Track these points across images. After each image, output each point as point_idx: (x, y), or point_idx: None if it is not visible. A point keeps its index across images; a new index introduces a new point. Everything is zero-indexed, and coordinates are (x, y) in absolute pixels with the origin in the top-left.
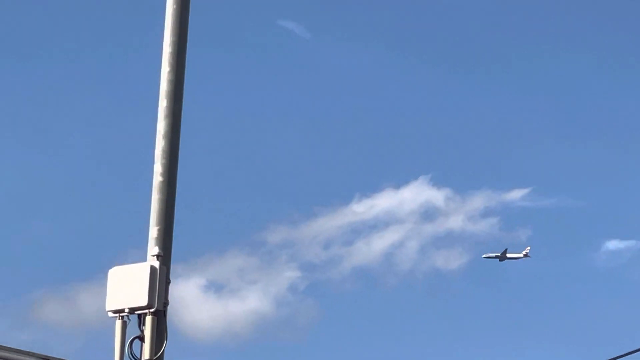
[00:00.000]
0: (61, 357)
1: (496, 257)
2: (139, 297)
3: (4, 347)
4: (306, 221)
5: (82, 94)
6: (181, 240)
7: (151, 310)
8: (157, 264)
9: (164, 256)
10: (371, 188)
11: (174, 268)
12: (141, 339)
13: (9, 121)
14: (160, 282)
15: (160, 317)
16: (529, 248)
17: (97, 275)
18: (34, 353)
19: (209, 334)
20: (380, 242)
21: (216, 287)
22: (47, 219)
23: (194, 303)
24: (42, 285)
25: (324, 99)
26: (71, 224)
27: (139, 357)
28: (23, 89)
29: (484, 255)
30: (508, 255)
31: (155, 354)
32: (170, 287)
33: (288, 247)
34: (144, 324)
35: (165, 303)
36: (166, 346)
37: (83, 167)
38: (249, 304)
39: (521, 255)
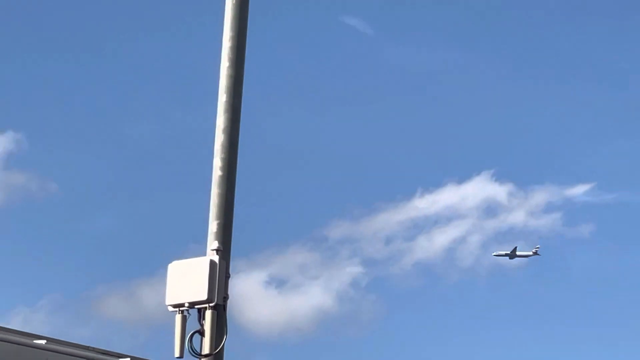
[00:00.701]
0: (121, 353)
1: (506, 255)
2: (199, 291)
3: (63, 341)
4: (368, 217)
5: (143, 89)
6: (242, 236)
7: (211, 304)
8: (216, 258)
9: (224, 250)
10: (434, 183)
11: (236, 263)
12: (201, 333)
13: (72, 116)
14: (219, 277)
15: (220, 311)
16: (538, 246)
17: (158, 271)
18: (93, 348)
19: (270, 330)
20: (442, 238)
21: (278, 283)
22: (109, 214)
23: (255, 298)
24: (103, 281)
25: (387, 94)
26: (132, 219)
27: (199, 351)
28: (84, 83)
29: (494, 254)
30: (518, 253)
31: (215, 348)
32: (232, 282)
33: (350, 243)
34: (203, 318)
35: (225, 297)
36: (226, 340)
37: (144, 162)
38: (311, 299)
39: (531, 253)
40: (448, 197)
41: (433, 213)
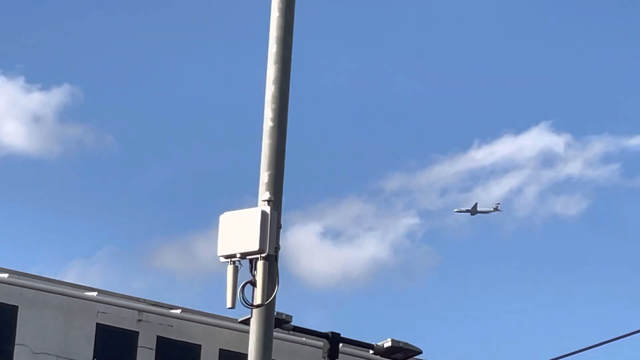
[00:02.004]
0: (173, 304)
1: (467, 211)
2: (251, 242)
3: (115, 293)
4: (424, 168)
5: (196, 41)
6: (297, 188)
7: (262, 255)
8: (268, 209)
9: (275, 201)
10: (491, 134)
11: (291, 215)
12: (253, 283)
13: (127, 69)
14: (271, 227)
15: (271, 261)
16: (499, 203)
17: (213, 223)
18: (144, 299)
19: (326, 281)
20: (498, 189)
21: (333, 234)
22: (165, 166)
23: (310, 250)
24: (159, 233)
25: (443, 44)
26: (188, 172)
27: (250, 301)
28: (138, 36)
29: (456, 210)
30: (479, 209)
31: (267, 299)
32: (287, 234)
33: (405, 194)
34: (255, 269)
35: (277, 248)
36: (277, 291)
37: (198, 114)
38: (366, 250)
39: (491, 209)
40: (505, 148)
41: (489, 164)
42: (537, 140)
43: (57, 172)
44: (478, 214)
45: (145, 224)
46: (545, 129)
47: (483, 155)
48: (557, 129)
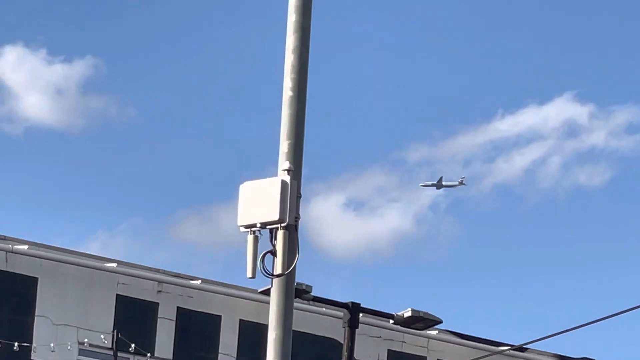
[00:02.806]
0: (193, 275)
1: (433, 185)
2: (271, 211)
3: (134, 264)
4: (447, 139)
5: (215, 10)
6: (320, 159)
7: (282, 224)
8: (287, 178)
9: (295, 171)
10: (514, 105)
11: (314, 186)
12: (273, 253)
13: (150, 41)
14: (291, 196)
15: (291, 231)
16: (464, 177)
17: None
18: (164, 270)
19: (348, 252)
20: (522, 159)
21: (356, 205)
22: (187, 138)
23: (333, 221)
24: (182, 205)
25: (466, 14)
26: (210, 143)
27: (271, 271)
28: (160, 8)
29: (421, 184)
30: (444, 183)
31: (287, 268)
32: (310, 205)
33: (428, 165)
34: (275, 239)
35: (297, 217)
36: (298, 260)
37: (219, 85)
38: (389, 221)
39: (457, 183)
40: (529, 118)
41: (513, 135)
42: (561, 110)
43: (80, 144)
44: (443, 188)
45: (168, 195)
46: (569, 100)
47: (507, 125)
48: (581, 99)
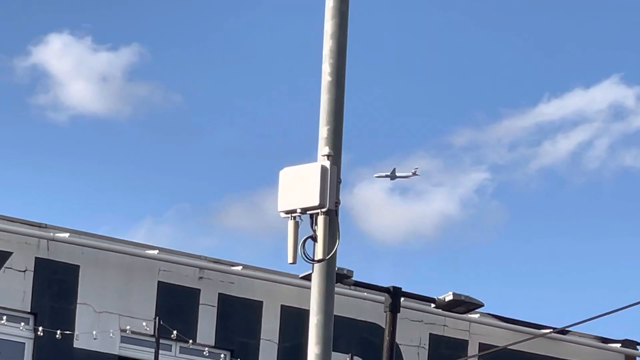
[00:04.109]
0: (234, 261)
1: (387, 176)
2: (311, 196)
3: (176, 251)
4: (492, 123)
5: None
6: (366, 144)
7: (323, 209)
8: (327, 163)
9: (334, 156)
10: (561, 88)
11: (360, 171)
12: (313, 238)
13: (195, 29)
14: (331, 182)
15: (332, 216)
16: (417, 167)
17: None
18: (205, 257)
19: (393, 236)
20: (567, 142)
21: (401, 190)
22: (233, 124)
23: (379, 206)
24: (228, 191)
25: None
26: (256, 129)
27: (312, 256)
28: None
29: (375, 175)
30: (397, 174)
31: (328, 253)
32: (356, 190)
33: (473, 149)
34: (316, 224)
35: (337, 202)
36: (338, 245)
37: (263, 71)
38: (435, 206)
39: (410, 174)
40: (575, 101)
41: (559, 118)
42: (607, 93)
43: (125, 132)
44: (397, 179)
45: (214, 182)
46: (615, 82)
47: (552, 109)
48: (628, 81)
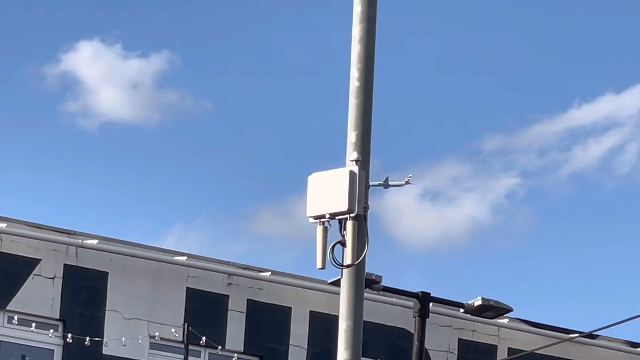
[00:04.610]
0: (262, 267)
1: (380, 184)
2: (339, 202)
3: (204, 257)
4: (522, 128)
5: (281, 2)
6: (394, 149)
7: (352, 214)
8: (356, 168)
9: (363, 161)
10: (591, 93)
11: (390, 177)
12: (342, 244)
13: (226, 36)
14: (359, 187)
15: (360, 221)
16: (410, 175)
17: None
18: (234, 263)
19: (423, 242)
20: (598, 147)
21: (432, 195)
22: (263, 131)
23: (409, 211)
24: (258, 198)
25: (542, 4)
26: (286, 136)
27: (340, 262)
28: (236, 4)
29: (371, 184)
30: (390, 182)
31: (357, 259)
32: (386, 196)
33: (503, 155)
34: (344, 229)
35: (366, 207)
36: (367, 250)
37: (292, 78)
38: (465, 211)
39: (403, 182)
40: (606, 106)
41: (589, 123)
42: (638, 97)
43: (156, 139)
44: (390, 187)
45: (244, 188)
46: None
47: (583, 114)
48: None
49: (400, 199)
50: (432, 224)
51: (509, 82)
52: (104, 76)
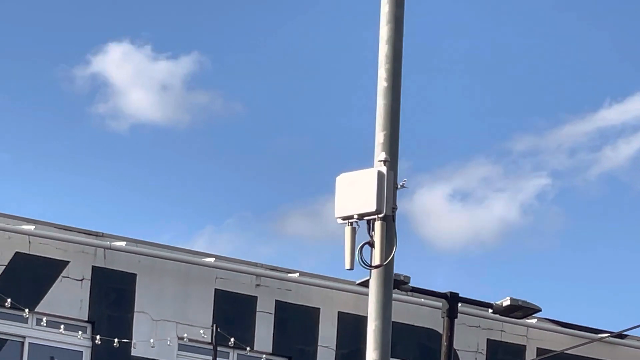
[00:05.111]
0: (291, 269)
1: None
2: (367, 202)
3: (232, 259)
4: (552, 128)
5: (309, 3)
6: (424, 150)
7: (380, 215)
8: (384, 169)
9: (391, 161)
10: (622, 93)
11: (420, 178)
12: (371, 244)
13: (254, 38)
14: (387, 187)
15: (389, 222)
16: (405, 179)
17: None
18: (262, 264)
19: (453, 243)
20: (629, 148)
21: (462, 196)
22: (292, 132)
23: (439, 212)
24: (288, 199)
25: (571, 4)
26: (309, 137)
27: (369, 262)
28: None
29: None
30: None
31: (386, 259)
32: (416, 197)
33: (533, 155)
34: (373, 230)
35: (394, 208)
36: (396, 251)
37: (311, 77)
38: (495, 212)
39: (398, 186)
40: (636, 106)
41: (620, 123)
42: None
43: (186, 140)
44: None
45: (274, 190)
46: None
47: (614, 114)
48: None
49: (430, 200)
50: (462, 224)
51: (538, 82)
52: (134, 78)
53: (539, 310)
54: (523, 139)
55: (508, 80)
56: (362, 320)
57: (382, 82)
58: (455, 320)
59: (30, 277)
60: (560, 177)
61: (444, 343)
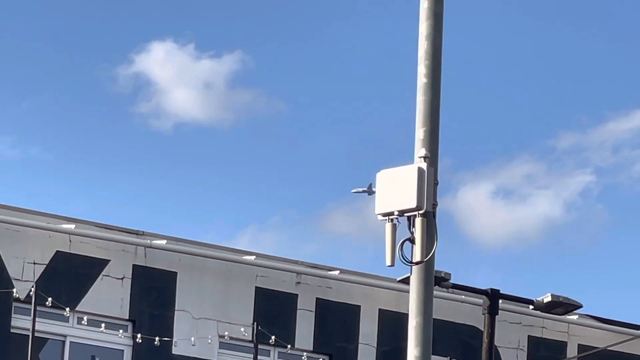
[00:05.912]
0: (331, 266)
1: (364, 191)
2: (408, 199)
3: (272, 256)
4: (596, 125)
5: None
6: (468, 147)
7: (420, 211)
8: (424, 165)
9: (431, 157)
10: None
11: (463, 176)
12: (411, 241)
13: (299, 38)
14: (428, 184)
15: (429, 218)
16: (371, 183)
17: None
18: (302, 262)
19: (496, 239)
20: None
21: (505, 193)
22: (335, 131)
23: (482, 209)
24: (331, 197)
25: None
26: (351, 133)
27: (410, 259)
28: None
29: (353, 190)
30: (374, 189)
31: (426, 255)
32: (459, 194)
33: (577, 153)
34: (413, 226)
35: (434, 204)
36: (436, 247)
37: (353, 74)
38: (538, 209)
39: (366, 189)
40: None
41: None
42: None
43: (229, 139)
44: (374, 194)
45: (318, 187)
46: None
47: None
48: None
49: (473, 198)
50: (505, 222)
51: (582, 79)
52: (177, 77)
53: (580, 306)
54: (567, 136)
55: (552, 77)
56: (402, 318)
57: (421, 78)
58: (496, 317)
59: (70, 276)
60: (604, 174)
61: (485, 340)
